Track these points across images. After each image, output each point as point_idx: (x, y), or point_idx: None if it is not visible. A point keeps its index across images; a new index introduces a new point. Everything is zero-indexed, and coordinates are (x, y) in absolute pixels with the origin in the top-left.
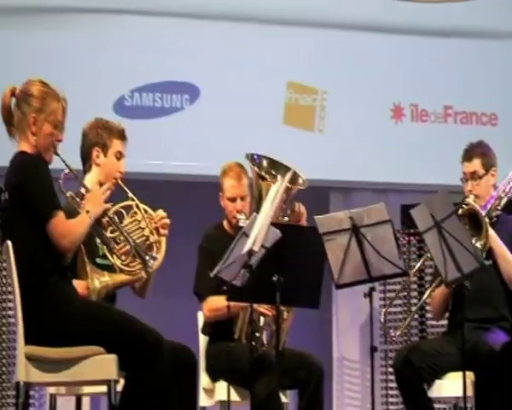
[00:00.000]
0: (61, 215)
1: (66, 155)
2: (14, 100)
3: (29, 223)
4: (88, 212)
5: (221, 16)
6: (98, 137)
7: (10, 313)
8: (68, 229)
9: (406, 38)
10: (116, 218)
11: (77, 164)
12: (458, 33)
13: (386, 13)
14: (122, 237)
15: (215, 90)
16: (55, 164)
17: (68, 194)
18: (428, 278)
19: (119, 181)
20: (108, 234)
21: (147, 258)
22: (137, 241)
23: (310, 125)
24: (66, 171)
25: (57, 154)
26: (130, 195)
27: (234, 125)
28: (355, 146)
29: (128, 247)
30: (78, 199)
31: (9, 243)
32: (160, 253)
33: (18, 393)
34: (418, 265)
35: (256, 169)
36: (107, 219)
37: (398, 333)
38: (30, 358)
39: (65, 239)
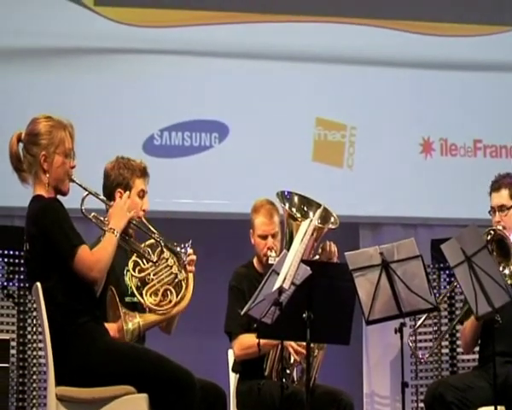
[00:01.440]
0: (83, 250)
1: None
2: (21, 145)
3: (54, 268)
4: (113, 230)
5: (249, 55)
6: (120, 178)
7: (41, 353)
8: (95, 259)
9: (434, 73)
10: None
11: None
12: (487, 66)
13: (414, 47)
14: (150, 265)
15: (244, 128)
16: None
17: (92, 215)
18: (459, 312)
19: (144, 220)
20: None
21: (178, 250)
22: (166, 279)
23: (339, 162)
24: (85, 194)
25: (73, 180)
26: (156, 233)
27: (263, 163)
28: (384, 181)
29: (157, 286)
30: (101, 218)
31: (39, 284)
32: (188, 289)
33: None
34: (444, 293)
35: (287, 207)
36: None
37: (426, 355)
38: (61, 399)
39: (93, 271)
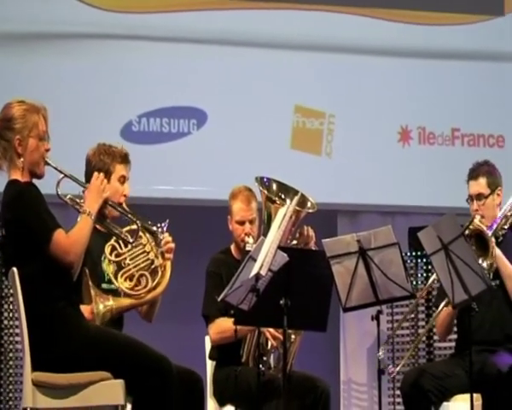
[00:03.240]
0: (59, 233)
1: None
2: None
3: (30, 253)
4: (88, 212)
5: (228, 42)
6: (101, 163)
7: (17, 339)
8: (71, 242)
9: (413, 62)
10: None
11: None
12: (465, 56)
13: (393, 37)
14: (128, 249)
15: (222, 115)
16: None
17: (67, 197)
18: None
19: (124, 205)
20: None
21: (154, 229)
22: (142, 265)
23: (317, 149)
24: (61, 176)
25: (48, 163)
26: (134, 219)
27: (241, 150)
28: (362, 169)
29: (132, 271)
30: (77, 200)
31: (15, 269)
32: (164, 277)
33: None
34: (426, 286)
35: (265, 192)
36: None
37: (396, 370)
38: (37, 384)
39: (70, 254)
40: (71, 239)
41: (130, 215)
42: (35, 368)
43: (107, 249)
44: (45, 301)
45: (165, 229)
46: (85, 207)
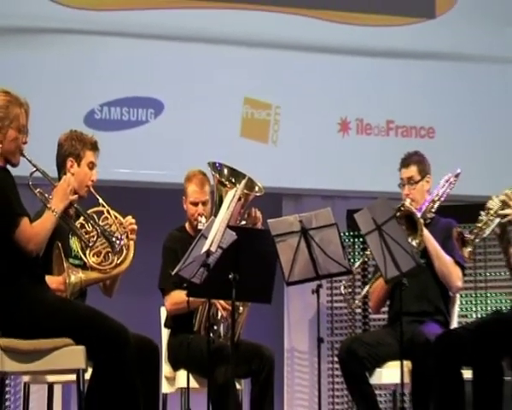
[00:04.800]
0: (24, 222)
1: (42, 164)
2: None
3: None
4: (53, 210)
5: (184, 38)
6: (72, 149)
7: None
8: (34, 233)
9: (352, 59)
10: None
11: (53, 172)
12: (400, 55)
13: (334, 36)
14: (94, 228)
15: (178, 105)
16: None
17: (37, 190)
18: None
19: (92, 189)
20: (80, 221)
21: (113, 239)
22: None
23: (264, 138)
24: (33, 170)
25: (23, 155)
26: (101, 201)
27: (196, 137)
28: (305, 156)
29: (100, 247)
30: (46, 195)
31: None
32: (128, 255)
33: None
34: (359, 262)
35: (217, 176)
36: (74, 209)
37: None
38: (5, 349)
39: (30, 244)
40: (34, 230)
41: (91, 221)
42: (3, 335)
43: (77, 226)
44: (9, 277)
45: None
46: (51, 205)
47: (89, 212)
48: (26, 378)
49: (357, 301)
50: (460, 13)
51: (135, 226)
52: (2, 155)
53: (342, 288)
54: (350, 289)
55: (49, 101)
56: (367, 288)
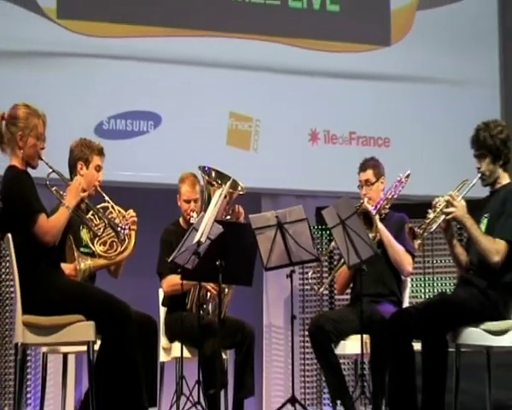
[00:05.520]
0: (42, 217)
1: (58, 166)
2: (4, 123)
3: (19, 225)
4: (67, 205)
5: (178, 61)
6: (82, 154)
7: (12, 289)
8: (50, 226)
9: (321, 80)
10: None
11: (67, 174)
12: (360, 76)
13: (305, 60)
14: (101, 221)
15: (174, 118)
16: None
17: (53, 189)
18: (336, 263)
19: (98, 188)
20: (89, 216)
21: (118, 229)
22: (113, 233)
23: (246, 146)
24: (50, 171)
25: (41, 159)
26: (107, 198)
27: (188, 145)
28: (281, 162)
29: (106, 237)
30: (61, 192)
31: (10, 235)
32: (130, 243)
33: (16, 352)
34: (327, 251)
35: (206, 177)
36: (85, 205)
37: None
38: (26, 325)
39: (47, 235)
40: (50, 224)
41: (99, 214)
42: (25, 312)
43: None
44: (31, 262)
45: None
46: (65, 201)
47: (98, 206)
48: (44, 349)
49: (321, 289)
50: (411, 41)
51: (135, 218)
52: (23, 159)
53: (310, 275)
54: (316, 277)
55: (64, 114)
56: (332, 274)
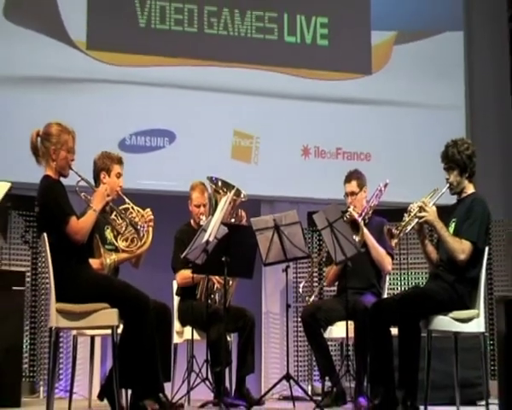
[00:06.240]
0: (72, 219)
1: (86, 175)
2: (39, 139)
3: (52, 226)
4: (94, 209)
5: (189, 87)
6: (104, 165)
7: (47, 281)
8: (80, 227)
9: (312, 103)
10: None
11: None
12: (344, 101)
13: (298, 86)
14: (122, 220)
15: (186, 135)
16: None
17: (82, 194)
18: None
19: (120, 192)
20: (112, 217)
21: (138, 227)
22: (133, 230)
23: (248, 159)
24: (79, 179)
25: (72, 169)
26: (127, 200)
27: (198, 158)
28: (278, 173)
29: (128, 234)
30: (89, 197)
31: (45, 234)
32: (148, 238)
33: (51, 335)
34: (322, 255)
35: (214, 186)
36: (110, 207)
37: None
38: (59, 311)
39: (77, 235)
40: (80, 225)
41: (122, 215)
42: (58, 300)
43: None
44: (63, 258)
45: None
46: (93, 205)
47: (120, 208)
48: (74, 332)
49: (311, 299)
50: (389, 71)
51: (152, 217)
52: (55, 169)
53: (301, 286)
54: (306, 290)
55: (92, 131)
56: (320, 286)
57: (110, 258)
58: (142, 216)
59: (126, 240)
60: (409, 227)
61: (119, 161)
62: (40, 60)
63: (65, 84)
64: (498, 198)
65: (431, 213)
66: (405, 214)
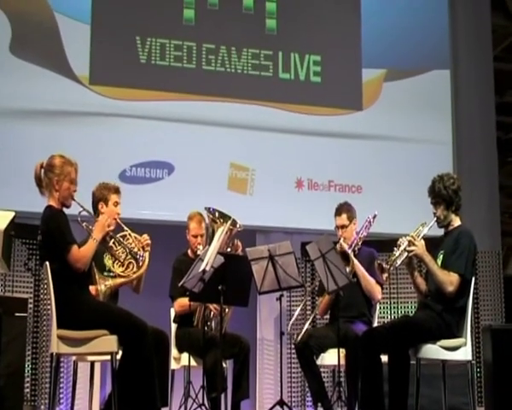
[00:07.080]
0: (74, 248)
1: (88, 206)
2: (42, 171)
3: (55, 255)
4: (94, 238)
5: (187, 121)
6: (101, 195)
7: (48, 307)
8: (81, 256)
9: (305, 137)
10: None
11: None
12: (336, 135)
13: (292, 121)
14: (120, 246)
15: (184, 167)
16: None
17: (83, 224)
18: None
19: (118, 220)
20: (110, 244)
21: (137, 257)
22: (129, 256)
23: (244, 191)
24: (81, 210)
25: (74, 199)
26: (125, 228)
27: (196, 189)
28: (272, 204)
29: (123, 260)
30: (90, 227)
31: (47, 263)
32: (144, 263)
33: (52, 360)
34: (314, 285)
35: (211, 216)
36: (109, 236)
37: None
38: (60, 337)
39: (78, 263)
40: (81, 254)
41: (122, 244)
42: (59, 327)
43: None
44: (65, 285)
45: (143, 256)
46: (93, 235)
47: (118, 235)
48: (74, 358)
49: (305, 327)
50: (379, 107)
51: (149, 241)
52: (58, 200)
53: (291, 323)
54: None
55: (94, 162)
56: (311, 317)
57: (105, 284)
58: (139, 241)
59: (122, 265)
60: (399, 261)
61: (116, 191)
62: (44, 94)
63: (68, 117)
64: (484, 230)
65: (420, 247)
66: (395, 248)
